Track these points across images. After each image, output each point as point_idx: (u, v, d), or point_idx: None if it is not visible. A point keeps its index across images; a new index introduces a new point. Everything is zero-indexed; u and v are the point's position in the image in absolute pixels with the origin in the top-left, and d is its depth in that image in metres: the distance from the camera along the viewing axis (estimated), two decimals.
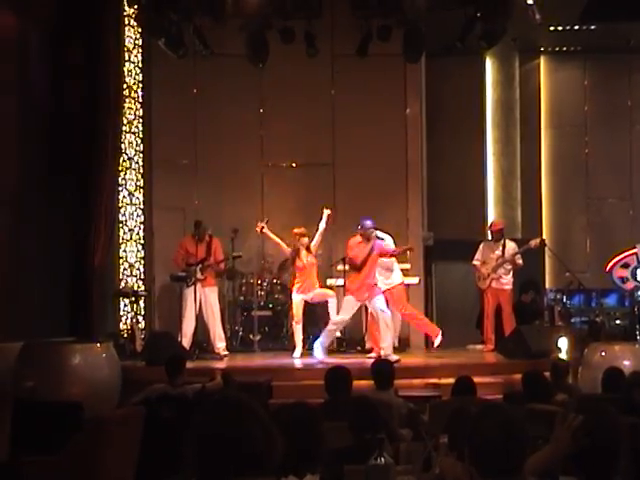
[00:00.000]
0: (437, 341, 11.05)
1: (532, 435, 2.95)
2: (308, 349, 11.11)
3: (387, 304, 10.88)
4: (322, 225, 11.17)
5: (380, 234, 10.88)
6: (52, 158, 10.50)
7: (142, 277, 12.38)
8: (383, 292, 10.86)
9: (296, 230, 11.22)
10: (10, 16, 9.95)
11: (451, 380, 7.14)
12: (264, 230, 11.32)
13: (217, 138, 13.01)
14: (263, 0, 10.98)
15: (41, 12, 10.49)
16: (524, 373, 6.98)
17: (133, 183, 12.34)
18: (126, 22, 12.01)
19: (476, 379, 6.95)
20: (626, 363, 8.82)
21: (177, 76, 12.59)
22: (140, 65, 12.47)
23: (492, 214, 14.49)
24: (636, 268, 13.58)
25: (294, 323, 11.20)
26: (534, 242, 11.81)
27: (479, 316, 12.33)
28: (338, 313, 10.88)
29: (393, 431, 5.31)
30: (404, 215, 13.22)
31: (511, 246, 11.80)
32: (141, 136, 12.46)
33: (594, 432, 3.00)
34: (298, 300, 11.14)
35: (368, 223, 10.44)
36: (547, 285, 14.46)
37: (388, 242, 10.90)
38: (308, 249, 11.14)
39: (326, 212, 11.21)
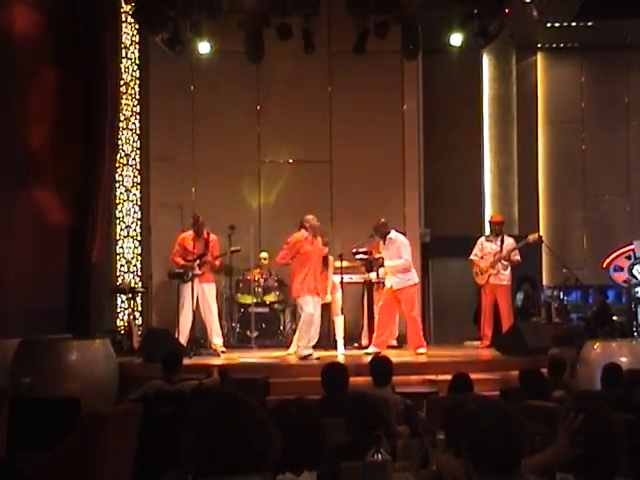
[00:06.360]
0: (420, 350, 10.70)
1: (529, 432, 2.95)
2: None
3: (399, 303, 10.83)
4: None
5: (394, 234, 10.86)
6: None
7: (139, 274, 12.37)
8: (395, 291, 10.76)
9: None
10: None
11: (448, 377, 7.13)
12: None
13: (214, 135, 12.99)
14: None
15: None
16: (521, 370, 6.99)
17: (130, 180, 12.32)
18: (123, 19, 12.00)
19: (473, 376, 6.95)
20: (623, 360, 8.82)
21: (174, 73, 12.56)
22: (137, 62, 12.43)
23: (489, 210, 14.48)
24: (633, 264, 13.59)
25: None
26: (532, 237, 11.76)
27: (476, 312, 12.34)
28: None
29: (390, 428, 5.30)
30: (401, 212, 13.21)
31: (509, 242, 11.77)
32: (138, 133, 12.43)
33: (591, 432, 3.00)
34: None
35: None
36: (544, 282, 14.45)
37: (401, 242, 10.88)
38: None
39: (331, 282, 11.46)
